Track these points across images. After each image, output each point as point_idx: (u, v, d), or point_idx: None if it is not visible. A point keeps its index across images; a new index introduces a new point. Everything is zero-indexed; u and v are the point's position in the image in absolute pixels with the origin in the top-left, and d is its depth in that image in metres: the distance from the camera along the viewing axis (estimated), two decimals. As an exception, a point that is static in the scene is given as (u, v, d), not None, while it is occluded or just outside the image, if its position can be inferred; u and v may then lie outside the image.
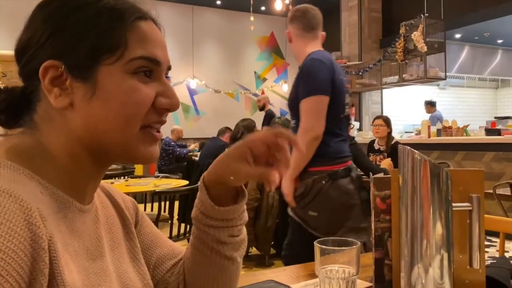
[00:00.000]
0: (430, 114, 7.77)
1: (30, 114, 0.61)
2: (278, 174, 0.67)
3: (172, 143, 7.69)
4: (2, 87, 0.61)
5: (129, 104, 0.59)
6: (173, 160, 7.63)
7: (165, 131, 7.46)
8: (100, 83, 0.58)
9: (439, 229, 0.77)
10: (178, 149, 7.72)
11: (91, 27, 0.58)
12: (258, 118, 6.83)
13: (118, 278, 0.65)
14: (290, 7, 6.49)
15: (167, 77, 0.65)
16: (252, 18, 7.50)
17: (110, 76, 0.58)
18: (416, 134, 6.24)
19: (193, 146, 8.25)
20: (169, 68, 0.65)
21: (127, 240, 0.73)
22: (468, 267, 0.80)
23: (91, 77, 0.58)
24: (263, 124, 6.17)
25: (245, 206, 0.75)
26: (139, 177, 5.10)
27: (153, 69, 0.61)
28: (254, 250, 4.29)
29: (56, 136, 0.60)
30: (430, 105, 7.88)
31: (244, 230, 0.77)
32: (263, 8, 9.54)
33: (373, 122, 4.53)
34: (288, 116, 2.82)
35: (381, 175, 0.98)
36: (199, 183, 0.74)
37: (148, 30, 0.62)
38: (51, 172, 0.58)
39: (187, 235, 3.49)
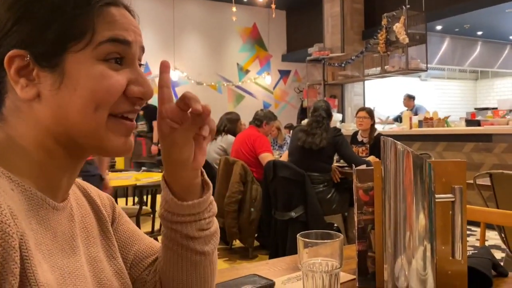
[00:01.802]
0: (414, 106, 7.82)
1: None
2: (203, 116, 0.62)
3: None
4: None
5: (98, 91, 0.56)
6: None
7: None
8: (68, 71, 0.56)
9: (422, 220, 0.77)
10: None
11: (56, 13, 0.55)
12: (241, 110, 6.80)
13: (94, 277, 0.63)
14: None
15: (141, 65, 0.62)
16: (234, 9, 7.43)
17: (78, 64, 0.56)
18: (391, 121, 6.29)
19: None
20: (143, 50, 0.62)
21: (103, 239, 0.70)
22: (451, 258, 0.80)
23: (59, 66, 0.55)
24: None
25: (212, 198, 0.72)
26: (120, 170, 5.05)
27: (124, 55, 0.59)
28: (237, 243, 4.30)
29: (25, 128, 0.57)
30: (412, 99, 7.93)
31: (215, 222, 0.74)
32: (245, -1, 9.48)
33: (356, 114, 4.54)
34: (271, 109, 2.78)
35: (363, 167, 0.97)
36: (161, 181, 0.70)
37: (117, 14, 0.59)
38: (22, 167, 0.56)
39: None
